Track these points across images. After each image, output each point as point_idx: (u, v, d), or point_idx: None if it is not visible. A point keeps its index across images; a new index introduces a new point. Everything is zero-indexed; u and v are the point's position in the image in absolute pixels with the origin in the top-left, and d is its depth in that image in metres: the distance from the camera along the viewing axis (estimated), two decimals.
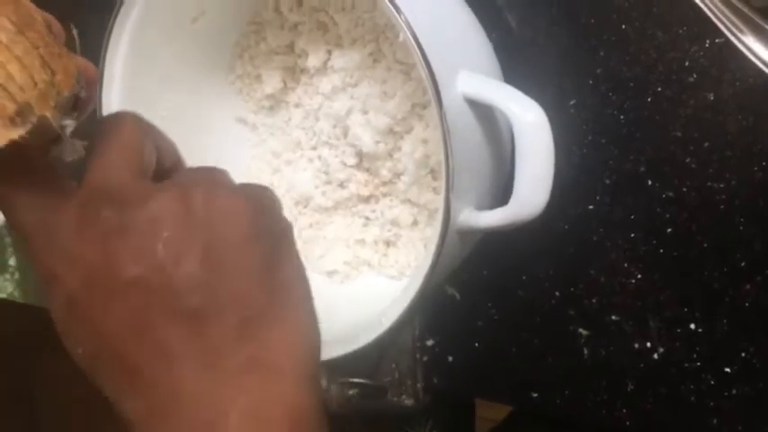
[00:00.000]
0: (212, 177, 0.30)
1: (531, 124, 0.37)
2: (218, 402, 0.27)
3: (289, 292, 0.29)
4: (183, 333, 0.27)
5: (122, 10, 0.45)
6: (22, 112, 0.26)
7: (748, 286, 0.42)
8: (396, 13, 0.36)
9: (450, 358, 0.52)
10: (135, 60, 0.47)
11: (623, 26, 0.42)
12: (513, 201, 0.38)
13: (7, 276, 0.74)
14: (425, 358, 0.52)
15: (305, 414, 0.28)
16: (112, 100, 0.48)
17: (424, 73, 0.36)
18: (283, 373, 0.28)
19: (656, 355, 0.45)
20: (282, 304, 0.29)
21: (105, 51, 0.46)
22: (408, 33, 0.36)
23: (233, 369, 0.27)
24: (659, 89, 0.42)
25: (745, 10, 0.38)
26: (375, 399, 0.51)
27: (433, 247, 0.39)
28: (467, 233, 0.41)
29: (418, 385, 0.53)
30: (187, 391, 0.27)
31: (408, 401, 0.54)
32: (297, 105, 0.51)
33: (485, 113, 0.39)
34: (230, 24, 0.52)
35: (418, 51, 0.36)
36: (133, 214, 0.28)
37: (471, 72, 0.39)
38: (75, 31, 0.60)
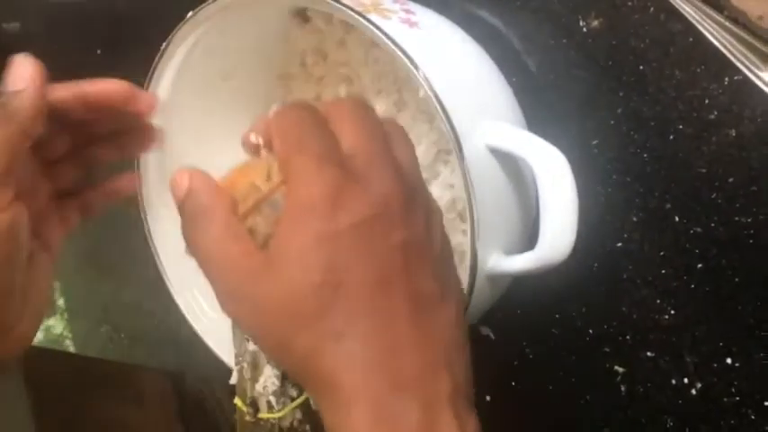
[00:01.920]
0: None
1: (552, 172, 0.37)
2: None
3: None
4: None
5: (156, 73, 0.47)
6: None
7: None
8: (414, 70, 0.37)
9: (488, 398, 0.52)
10: (171, 117, 0.49)
11: (641, 67, 0.42)
12: (539, 246, 0.39)
13: (57, 317, 0.76)
14: None
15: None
16: (150, 161, 0.50)
17: (445, 127, 0.37)
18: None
19: (693, 391, 0.45)
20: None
21: None
22: (428, 89, 0.37)
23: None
24: (680, 127, 0.42)
25: (761, 47, 0.38)
26: None
27: (464, 292, 0.40)
28: (496, 277, 0.41)
29: None
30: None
31: None
32: None
33: (508, 160, 0.40)
34: (260, 79, 0.53)
35: (438, 106, 0.37)
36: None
37: (492, 121, 0.40)
38: None
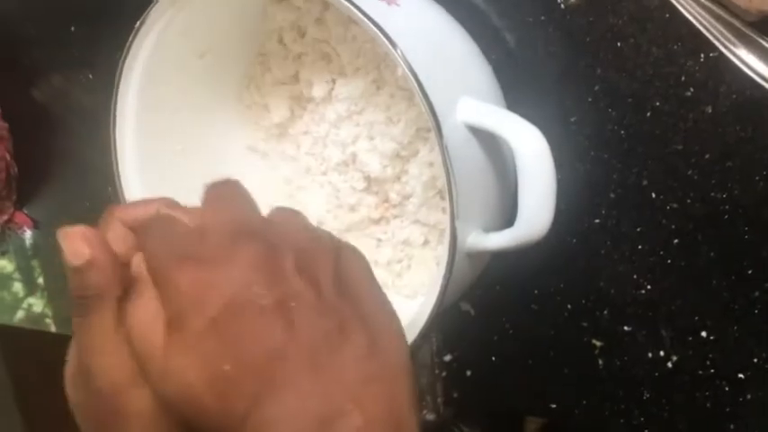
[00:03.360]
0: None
1: (531, 150, 0.37)
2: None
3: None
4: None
5: (132, 49, 0.46)
6: None
7: (757, 293, 0.43)
8: (392, 48, 0.37)
9: (469, 372, 0.53)
10: (146, 96, 0.48)
11: (618, 43, 0.42)
12: (518, 223, 0.39)
13: (38, 296, 0.76)
14: (444, 373, 0.53)
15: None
16: (126, 136, 0.49)
17: (423, 105, 0.37)
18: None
19: (669, 364, 0.46)
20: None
21: (117, 89, 0.47)
22: (405, 67, 0.37)
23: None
24: (657, 104, 0.42)
25: (737, 24, 0.39)
26: None
27: (443, 270, 0.40)
28: (476, 254, 0.42)
29: (438, 400, 0.54)
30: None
31: (430, 416, 0.55)
32: (305, 133, 0.52)
33: (487, 138, 0.40)
34: (237, 57, 0.53)
35: (416, 85, 0.37)
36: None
37: (471, 99, 0.40)
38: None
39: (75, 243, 0.31)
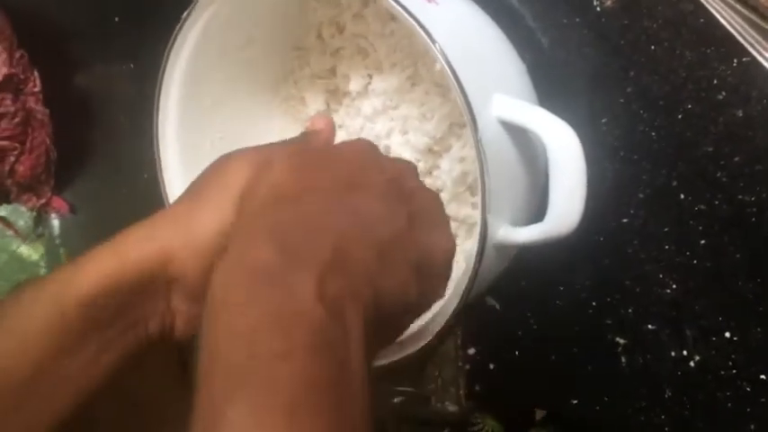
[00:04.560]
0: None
1: (563, 146, 0.38)
2: None
3: None
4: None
5: (178, 39, 0.48)
6: None
7: None
8: (431, 44, 0.38)
9: (492, 366, 0.54)
10: (189, 87, 0.50)
11: (652, 47, 0.43)
12: (547, 218, 0.40)
13: None
14: (467, 366, 0.54)
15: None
16: (168, 124, 0.51)
17: (459, 100, 0.38)
18: None
19: (692, 363, 0.46)
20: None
21: (162, 78, 0.49)
22: (444, 62, 0.38)
23: None
24: (689, 107, 0.43)
25: None
26: (419, 406, 0.54)
27: (471, 262, 0.41)
28: (504, 248, 0.42)
29: (461, 392, 0.55)
30: None
31: (452, 408, 0.56)
32: (340, 126, 0.53)
33: (519, 134, 0.41)
34: (276, 51, 0.54)
35: (454, 79, 0.38)
36: None
37: (505, 95, 0.41)
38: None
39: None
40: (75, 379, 0.35)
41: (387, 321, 0.34)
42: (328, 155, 0.37)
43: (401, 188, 0.36)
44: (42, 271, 0.78)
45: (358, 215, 0.34)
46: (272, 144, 0.39)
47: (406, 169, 0.38)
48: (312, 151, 0.37)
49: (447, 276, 0.38)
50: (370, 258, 0.32)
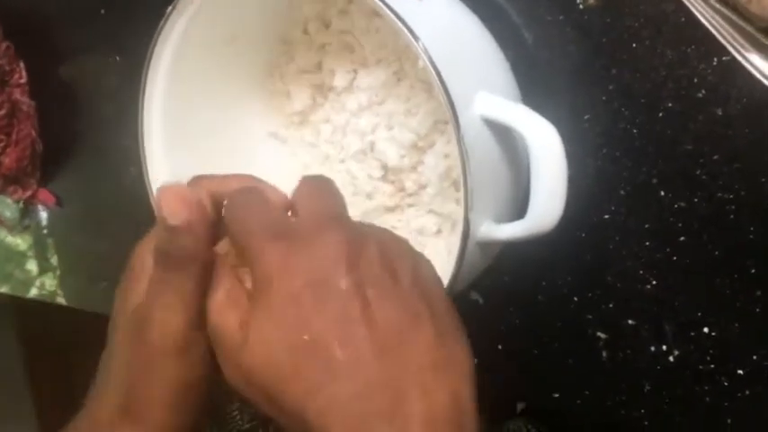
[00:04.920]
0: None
1: (544, 144, 0.39)
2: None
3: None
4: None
5: (164, 32, 0.47)
6: None
7: (759, 292, 0.44)
8: (414, 41, 0.39)
9: (475, 360, 0.54)
10: (174, 80, 0.50)
11: (634, 45, 0.44)
12: (529, 215, 0.40)
13: (50, 275, 0.77)
14: None
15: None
16: (153, 117, 0.51)
17: (442, 98, 0.39)
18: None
19: (671, 358, 0.47)
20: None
21: (147, 71, 0.49)
22: (426, 60, 0.39)
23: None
24: (670, 105, 0.44)
25: (750, 29, 0.40)
26: None
27: (454, 258, 0.42)
28: (487, 245, 0.43)
29: None
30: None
31: None
32: (325, 121, 0.54)
33: (502, 131, 0.41)
34: (262, 45, 0.54)
35: (436, 77, 0.39)
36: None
37: (488, 93, 0.41)
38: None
39: (175, 202, 0.33)
40: None
41: None
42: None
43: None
44: (30, 261, 0.78)
45: (459, 370, 0.33)
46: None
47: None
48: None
49: None
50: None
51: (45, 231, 0.77)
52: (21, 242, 0.78)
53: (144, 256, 0.36)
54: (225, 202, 0.35)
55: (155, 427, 0.35)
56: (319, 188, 0.36)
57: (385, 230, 0.35)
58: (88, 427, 0.36)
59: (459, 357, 0.33)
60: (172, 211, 0.33)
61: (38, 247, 0.78)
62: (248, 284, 0.34)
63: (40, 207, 0.77)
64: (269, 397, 0.31)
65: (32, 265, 0.78)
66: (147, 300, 0.34)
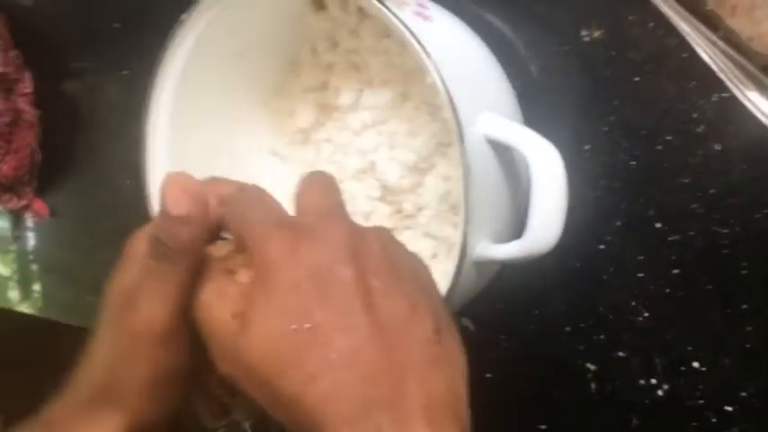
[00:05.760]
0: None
1: (545, 163, 0.39)
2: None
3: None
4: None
5: (172, 45, 0.48)
6: None
7: (749, 328, 0.44)
8: (425, 57, 0.40)
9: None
10: (179, 94, 0.50)
11: (636, 78, 0.45)
12: (527, 234, 0.41)
13: (30, 303, 0.77)
14: None
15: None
16: (157, 131, 0.51)
17: (449, 113, 0.39)
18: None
19: (660, 392, 0.47)
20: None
21: (154, 84, 0.50)
22: (436, 75, 0.39)
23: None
24: (669, 138, 0.45)
25: (750, 67, 0.41)
26: None
27: (449, 277, 0.42)
28: (482, 265, 0.43)
29: None
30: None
31: None
32: (327, 140, 0.54)
33: (504, 153, 0.42)
34: (269, 63, 0.55)
35: (445, 93, 0.39)
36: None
37: (493, 114, 0.42)
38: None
39: (179, 192, 0.33)
40: None
41: None
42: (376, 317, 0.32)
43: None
44: (12, 288, 0.77)
45: (454, 367, 0.33)
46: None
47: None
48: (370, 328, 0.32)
49: None
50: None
51: (30, 257, 0.76)
52: (3, 268, 0.77)
53: (139, 245, 0.36)
54: (228, 197, 0.36)
55: (132, 412, 0.35)
56: (321, 183, 0.37)
57: (384, 228, 0.36)
58: (67, 407, 0.36)
59: (455, 354, 0.33)
60: (174, 201, 0.33)
61: (21, 274, 0.77)
62: (242, 278, 0.34)
63: (28, 227, 0.77)
64: (266, 384, 0.31)
65: (14, 293, 0.77)
66: (137, 285, 0.34)
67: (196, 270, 0.34)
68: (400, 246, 0.35)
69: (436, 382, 0.31)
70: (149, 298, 0.34)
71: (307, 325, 0.30)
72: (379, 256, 0.32)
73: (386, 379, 0.30)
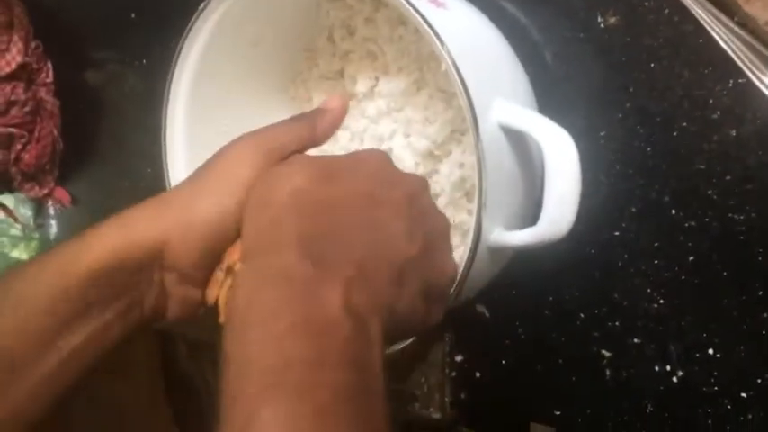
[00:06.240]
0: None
1: (560, 151, 0.39)
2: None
3: None
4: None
5: (192, 32, 0.49)
6: None
7: (765, 314, 0.44)
8: (439, 45, 0.40)
9: (478, 374, 0.55)
10: (198, 82, 0.51)
11: (652, 64, 0.45)
12: (541, 221, 0.41)
13: None
14: (454, 373, 0.55)
15: None
16: (176, 118, 0.52)
17: (462, 100, 0.39)
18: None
19: (675, 379, 0.47)
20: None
21: (173, 72, 0.50)
22: (450, 63, 0.40)
23: None
24: (684, 124, 0.44)
25: (766, 52, 0.41)
26: (404, 403, 0.54)
27: (463, 262, 0.42)
28: (497, 251, 0.43)
29: (446, 399, 0.56)
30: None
31: (436, 415, 0.56)
32: (344, 128, 0.54)
33: (518, 140, 0.42)
34: (286, 51, 0.56)
35: (458, 80, 0.39)
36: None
37: (507, 101, 0.42)
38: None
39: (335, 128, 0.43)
40: (76, 356, 0.36)
41: (392, 338, 0.35)
42: (349, 165, 0.38)
43: (417, 206, 0.37)
44: None
45: (382, 232, 0.35)
46: (274, 128, 0.40)
47: (420, 186, 0.39)
48: (333, 160, 0.38)
49: (445, 302, 0.39)
50: (391, 275, 0.34)
51: (53, 245, 0.77)
52: (26, 255, 0.78)
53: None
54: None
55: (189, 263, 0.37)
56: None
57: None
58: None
59: (445, 283, 0.39)
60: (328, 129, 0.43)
61: None
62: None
63: (50, 215, 0.78)
64: None
65: None
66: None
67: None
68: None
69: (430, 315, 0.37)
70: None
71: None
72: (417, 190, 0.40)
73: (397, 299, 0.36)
